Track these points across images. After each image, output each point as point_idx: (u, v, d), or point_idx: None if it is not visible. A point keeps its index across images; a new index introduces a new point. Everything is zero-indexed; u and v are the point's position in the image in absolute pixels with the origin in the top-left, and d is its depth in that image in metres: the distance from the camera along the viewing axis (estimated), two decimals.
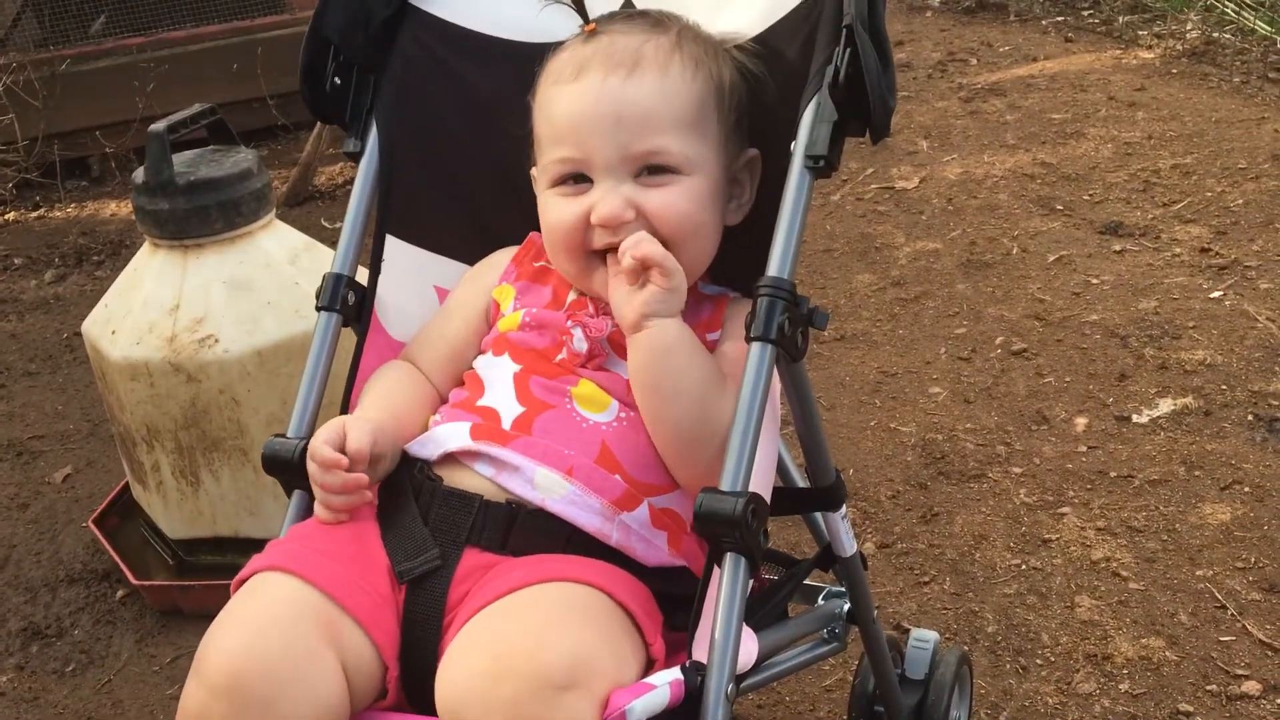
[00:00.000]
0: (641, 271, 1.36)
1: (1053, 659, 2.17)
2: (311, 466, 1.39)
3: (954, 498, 2.63)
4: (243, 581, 1.34)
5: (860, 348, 3.25)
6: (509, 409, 1.43)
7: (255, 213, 2.50)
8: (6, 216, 4.89)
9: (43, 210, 4.92)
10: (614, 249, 1.40)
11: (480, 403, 1.46)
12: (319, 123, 4.66)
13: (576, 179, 1.45)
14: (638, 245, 1.35)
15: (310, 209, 4.63)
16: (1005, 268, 3.55)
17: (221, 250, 2.47)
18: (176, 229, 2.43)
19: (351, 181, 1.67)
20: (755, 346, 1.31)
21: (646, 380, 1.36)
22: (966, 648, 2.18)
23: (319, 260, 2.59)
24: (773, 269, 1.34)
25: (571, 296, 1.51)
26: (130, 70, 4.90)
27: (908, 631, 2.01)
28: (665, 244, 1.37)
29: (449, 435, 1.43)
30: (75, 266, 4.38)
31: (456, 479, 1.40)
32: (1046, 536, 2.47)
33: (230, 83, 4.88)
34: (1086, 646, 2.18)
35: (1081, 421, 2.82)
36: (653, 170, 1.43)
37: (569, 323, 1.47)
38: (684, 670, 1.23)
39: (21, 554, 2.79)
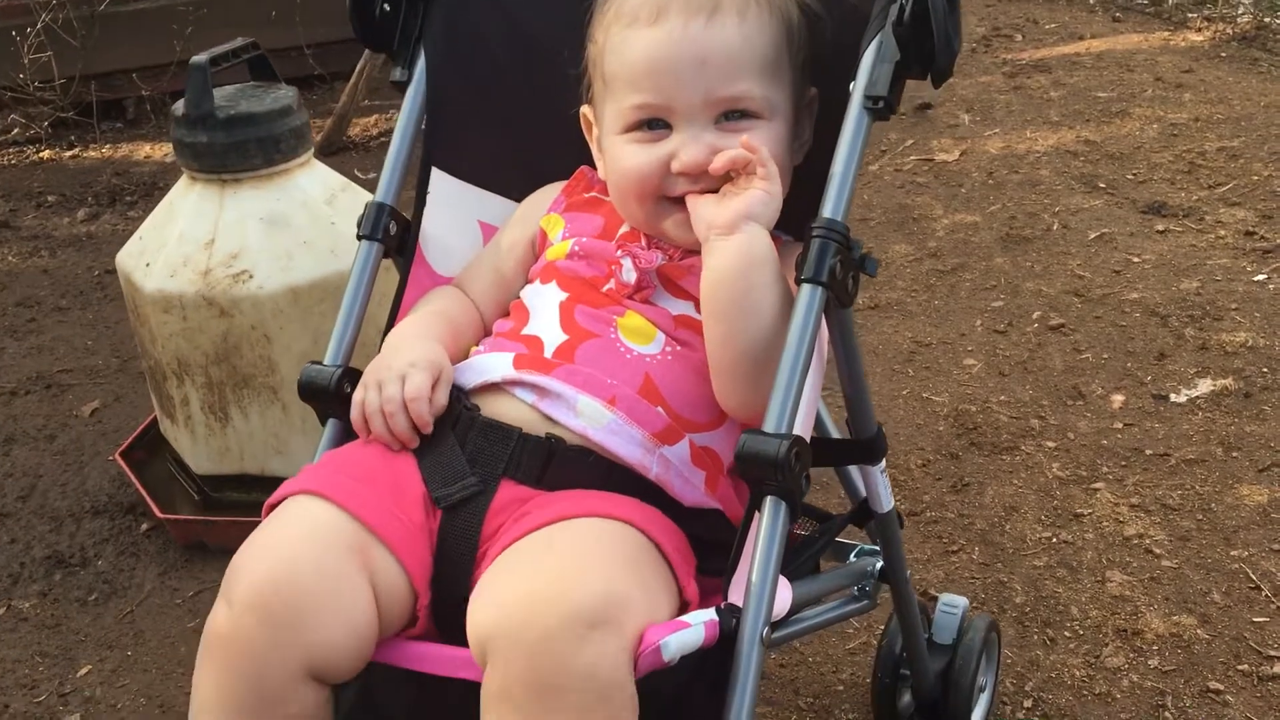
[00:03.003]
0: (735, 173, 1.33)
1: (1081, 632, 2.14)
2: (392, 391, 1.36)
3: (985, 469, 2.59)
4: (274, 505, 1.33)
5: (894, 317, 3.21)
6: (552, 336, 1.41)
7: (294, 150, 2.48)
8: (41, 154, 4.89)
9: (77, 149, 4.92)
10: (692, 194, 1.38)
11: (525, 331, 1.44)
12: (355, 73, 4.63)
13: (651, 124, 1.41)
14: (739, 152, 1.33)
15: (344, 159, 4.61)
16: (1045, 243, 3.50)
17: (259, 186, 2.45)
18: (215, 162, 2.42)
19: (386, 134, 1.66)
20: (805, 288, 1.28)
21: (730, 292, 1.31)
22: (994, 616, 2.16)
23: (356, 201, 2.58)
24: (826, 211, 1.31)
25: (624, 229, 1.49)
26: (169, 13, 4.88)
27: (935, 599, 1.98)
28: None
29: (492, 365, 1.41)
30: (108, 206, 4.38)
31: (495, 407, 1.38)
32: (1079, 511, 2.44)
33: (268, 30, 4.84)
34: (1116, 621, 2.16)
35: (1118, 399, 2.78)
36: (733, 115, 1.40)
37: (619, 253, 1.44)
38: (719, 612, 1.21)
39: (48, 484, 2.79)
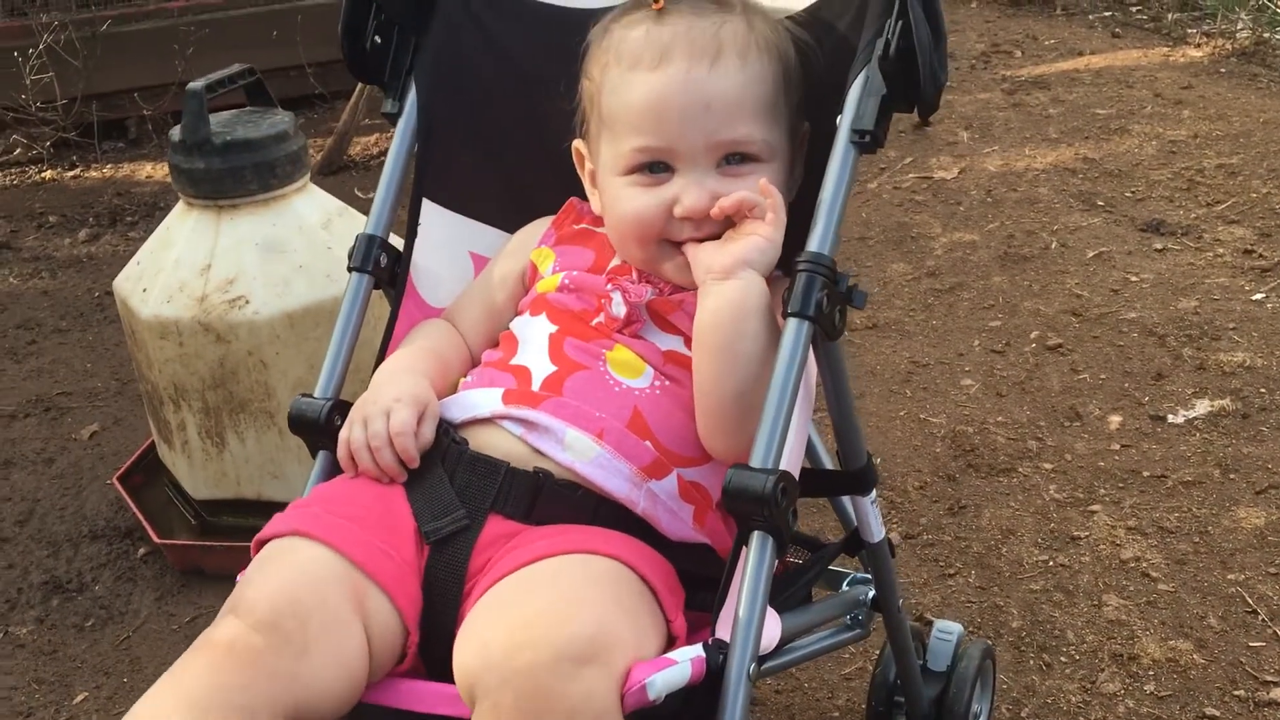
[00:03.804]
0: (738, 215, 1.34)
1: (1078, 657, 2.14)
2: (378, 427, 1.36)
3: (982, 491, 2.59)
4: (263, 541, 1.33)
5: (892, 337, 3.21)
6: (540, 368, 1.42)
7: (290, 175, 2.49)
8: (43, 175, 4.91)
9: (79, 170, 4.94)
10: (693, 240, 1.40)
11: (514, 361, 1.45)
12: (355, 92, 4.65)
13: (652, 168, 1.42)
14: (745, 195, 1.34)
15: (344, 179, 4.63)
16: (1043, 262, 3.50)
17: (255, 211, 2.46)
18: (211, 188, 2.43)
19: (386, 153, 1.65)
20: (792, 323, 1.29)
21: (720, 338, 1.32)
22: (990, 642, 2.15)
23: (353, 225, 2.58)
24: (813, 245, 1.31)
25: (615, 262, 1.50)
26: (170, 34, 4.89)
27: (931, 623, 1.98)
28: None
29: (480, 401, 1.41)
30: (109, 226, 4.39)
31: (483, 439, 1.38)
32: (1075, 534, 2.43)
33: (269, 49, 4.87)
34: (1113, 646, 2.15)
35: (1115, 419, 2.77)
36: (733, 159, 1.40)
37: (608, 286, 1.45)
38: (706, 648, 1.21)
39: (45, 508, 2.80)
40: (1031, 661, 2.14)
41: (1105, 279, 3.37)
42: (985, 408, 2.87)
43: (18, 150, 4.99)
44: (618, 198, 1.45)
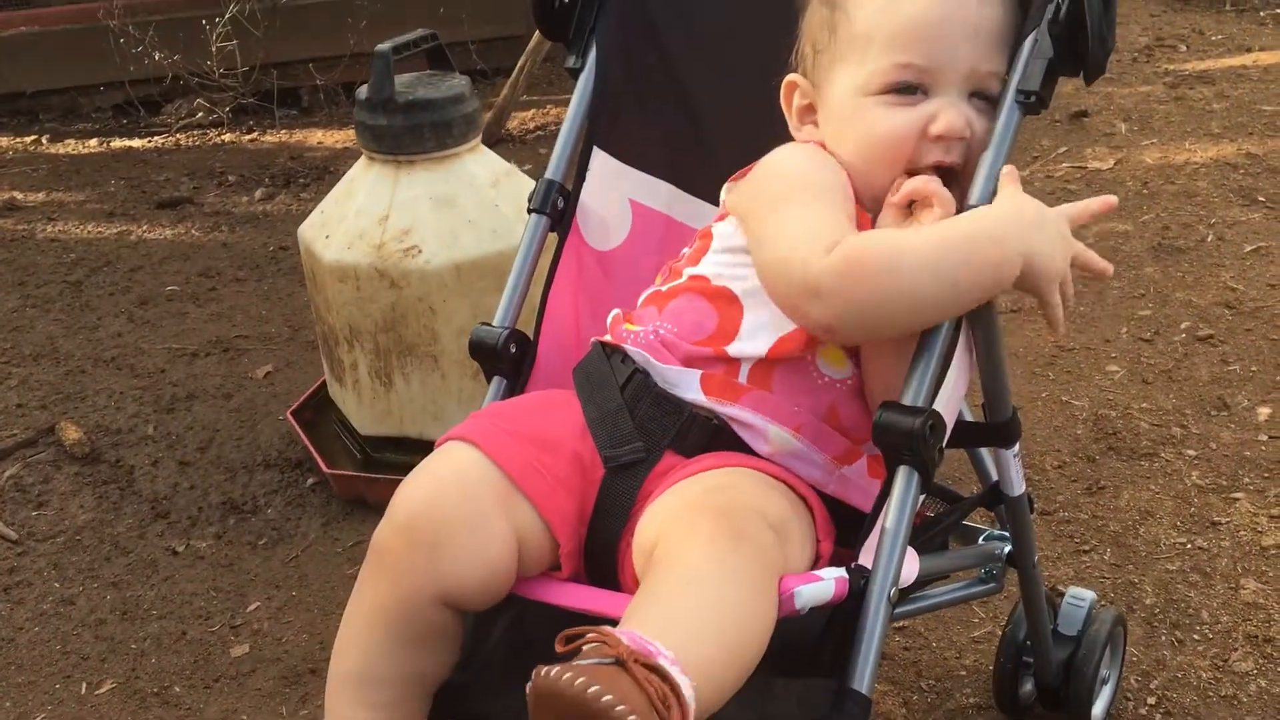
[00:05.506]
0: (912, 205, 1.36)
1: (1211, 636, 2.15)
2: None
3: (1122, 473, 2.60)
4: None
5: (1037, 321, 3.22)
6: (753, 349, 1.41)
7: (464, 135, 2.64)
8: (223, 137, 5.22)
9: (255, 134, 5.23)
10: (939, 166, 1.40)
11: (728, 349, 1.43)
12: (516, 70, 4.82)
13: (904, 89, 1.39)
14: (923, 181, 1.35)
15: (502, 151, 4.74)
16: (1198, 254, 3.45)
17: (431, 168, 2.62)
18: (393, 144, 2.59)
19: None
20: None
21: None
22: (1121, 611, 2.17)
23: (519, 186, 2.72)
24: (973, 199, 1.37)
25: None
26: (344, 8, 5.14)
27: (1062, 594, 2.02)
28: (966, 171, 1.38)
29: (678, 380, 1.43)
30: (283, 187, 4.65)
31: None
32: (1216, 519, 2.43)
33: (436, 26, 5.02)
34: (1248, 628, 2.15)
35: (1265, 411, 2.74)
36: (975, 96, 1.41)
37: None
38: (849, 570, 1.28)
39: (224, 438, 3.01)
40: (1164, 637, 2.16)
41: (1262, 273, 3.31)
42: (1130, 393, 2.87)
43: (200, 113, 5.31)
44: (871, 118, 1.41)
